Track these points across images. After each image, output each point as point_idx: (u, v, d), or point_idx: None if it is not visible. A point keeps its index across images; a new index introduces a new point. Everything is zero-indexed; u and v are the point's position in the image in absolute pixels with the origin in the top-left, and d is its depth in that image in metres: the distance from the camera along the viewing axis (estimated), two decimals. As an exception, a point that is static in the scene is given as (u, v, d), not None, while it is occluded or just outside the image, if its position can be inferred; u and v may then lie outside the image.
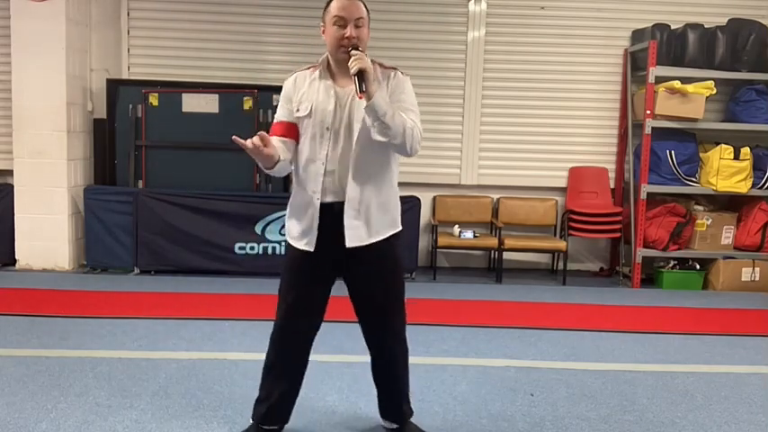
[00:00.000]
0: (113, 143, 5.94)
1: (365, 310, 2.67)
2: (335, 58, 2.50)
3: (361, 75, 2.31)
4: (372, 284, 2.63)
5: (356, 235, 2.51)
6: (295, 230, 2.60)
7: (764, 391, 3.53)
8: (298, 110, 2.54)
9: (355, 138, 2.46)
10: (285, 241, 2.70)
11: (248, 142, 2.35)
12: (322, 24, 2.52)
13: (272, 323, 2.68)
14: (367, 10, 2.51)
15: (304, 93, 2.54)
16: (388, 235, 2.60)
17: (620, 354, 4.08)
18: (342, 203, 2.49)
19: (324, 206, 2.51)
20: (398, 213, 2.69)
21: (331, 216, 2.50)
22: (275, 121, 2.64)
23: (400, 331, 2.71)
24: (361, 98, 2.35)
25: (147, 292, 5.14)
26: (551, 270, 6.46)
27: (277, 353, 2.68)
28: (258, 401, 2.74)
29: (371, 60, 2.52)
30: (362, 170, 2.49)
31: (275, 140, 2.51)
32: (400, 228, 2.69)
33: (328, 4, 2.49)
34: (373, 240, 2.55)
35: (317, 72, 2.55)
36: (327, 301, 2.67)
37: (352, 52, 2.38)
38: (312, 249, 2.54)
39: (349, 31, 2.42)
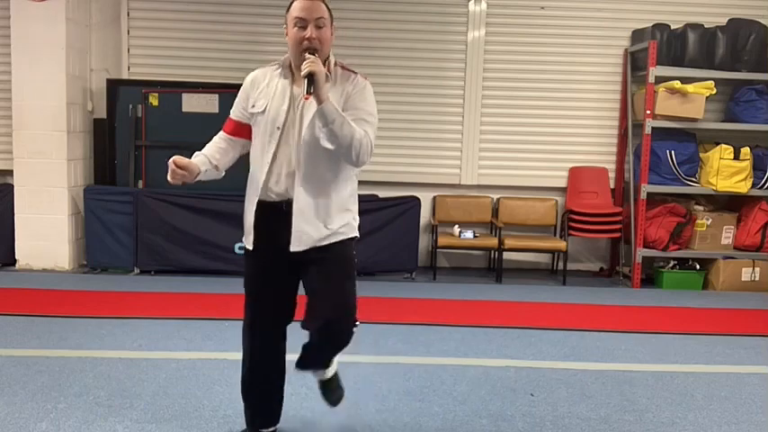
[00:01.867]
0: (113, 143, 5.94)
1: (312, 299, 2.53)
2: (296, 60, 2.46)
3: (311, 78, 2.28)
4: (320, 275, 2.50)
5: (303, 238, 2.46)
6: (244, 227, 2.60)
7: (764, 391, 3.53)
8: (253, 106, 2.53)
9: (302, 138, 2.42)
10: None
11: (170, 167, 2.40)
12: (285, 26, 2.49)
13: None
14: (329, 10, 2.48)
15: (262, 90, 2.53)
16: (338, 240, 2.51)
17: (620, 354, 4.08)
18: (290, 204, 2.46)
19: (269, 205, 2.48)
20: (354, 220, 2.59)
21: (278, 216, 2.46)
22: (231, 115, 2.65)
23: (348, 328, 2.52)
24: (306, 99, 2.34)
25: (147, 292, 5.14)
26: (551, 270, 6.46)
27: (247, 352, 2.67)
28: (245, 408, 2.73)
29: (335, 62, 2.51)
30: (311, 173, 2.44)
31: (211, 147, 2.63)
32: (356, 234, 2.59)
33: (290, 5, 2.46)
34: (322, 244, 2.47)
35: (279, 71, 2.53)
36: (292, 299, 2.62)
37: (307, 56, 2.34)
38: (251, 247, 2.55)
39: (309, 32, 2.39)
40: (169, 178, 2.42)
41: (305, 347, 2.66)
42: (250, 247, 2.56)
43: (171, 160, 2.41)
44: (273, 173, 2.47)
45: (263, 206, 2.50)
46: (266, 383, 2.70)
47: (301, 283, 2.59)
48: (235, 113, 2.63)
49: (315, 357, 2.68)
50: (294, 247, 2.46)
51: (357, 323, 2.57)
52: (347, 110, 2.42)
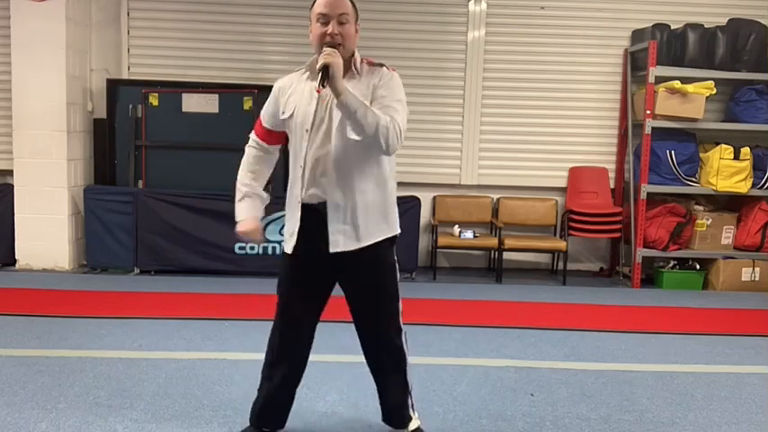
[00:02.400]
0: (113, 143, 5.94)
1: (356, 315, 2.64)
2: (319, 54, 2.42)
3: (326, 70, 2.25)
4: (361, 292, 2.59)
5: (340, 240, 2.45)
6: (285, 232, 2.62)
7: (764, 391, 3.53)
8: (283, 112, 2.52)
9: (333, 138, 2.41)
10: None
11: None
12: (309, 24, 2.46)
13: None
14: (353, 5, 2.46)
15: (290, 95, 2.52)
16: (378, 239, 2.51)
17: (620, 354, 4.08)
18: (326, 206, 2.45)
19: (307, 208, 2.48)
20: (394, 216, 2.59)
21: (316, 219, 2.46)
22: (260, 120, 2.64)
23: (392, 339, 2.63)
24: (318, 92, 2.33)
25: (147, 292, 5.14)
26: (551, 270, 6.46)
27: (273, 353, 2.67)
28: (255, 403, 2.73)
29: (361, 59, 2.49)
30: (345, 172, 2.42)
31: (248, 172, 2.66)
32: (397, 231, 2.60)
33: (313, 2, 2.44)
34: (361, 245, 2.47)
35: (306, 73, 2.51)
36: (324, 303, 2.64)
37: (324, 48, 2.33)
38: (290, 251, 2.54)
39: (331, 27, 2.36)
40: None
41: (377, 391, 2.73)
42: (289, 251, 2.55)
43: (238, 234, 2.60)
44: (307, 175, 2.45)
45: (303, 210, 2.49)
46: (284, 384, 2.69)
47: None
48: (266, 121, 2.62)
49: (381, 391, 2.72)
50: (333, 249, 2.44)
51: (402, 332, 2.65)
52: (374, 100, 2.38)
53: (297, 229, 2.50)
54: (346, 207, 2.44)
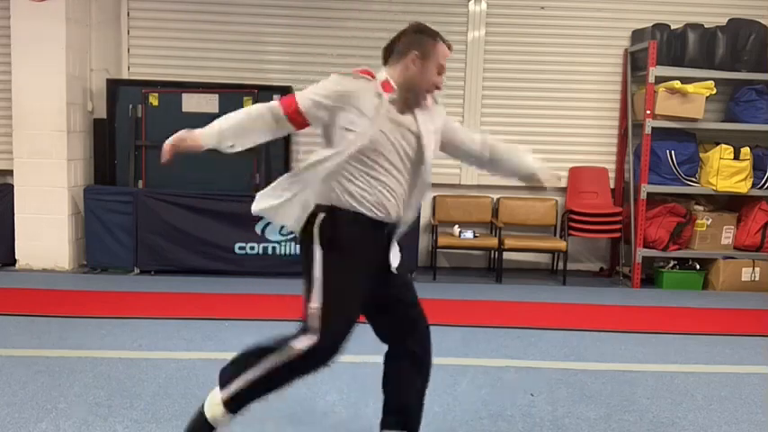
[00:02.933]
0: (113, 143, 5.94)
1: (410, 314, 2.68)
2: (415, 94, 2.48)
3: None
4: (408, 291, 2.69)
5: (396, 257, 2.60)
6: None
7: (764, 391, 3.53)
8: (352, 122, 2.32)
9: (426, 171, 2.55)
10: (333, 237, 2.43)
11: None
12: (415, 53, 2.40)
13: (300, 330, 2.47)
14: None
15: (363, 109, 2.33)
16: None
17: (620, 354, 4.08)
18: (395, 226, 2.54)
19: (382, 224, 2.50)
20: None
21: (381, 235, 2.52)
22: (302, 107, 2.36)
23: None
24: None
25: (147, 292, 5.14)
26: (551, 270, 6.46)
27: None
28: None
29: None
30: (416, 201, 2.62)
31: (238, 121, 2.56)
32: None
33: (433, 38, 2.45)
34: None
35: (387, 99, 2.39)
36: None
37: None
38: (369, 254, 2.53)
39: (443, 80, 2.54)
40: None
41: (402, 397, 2.67)
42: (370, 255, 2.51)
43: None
44: (392, 195, 2.47)
45: (372, 222, 2.46)
46: None
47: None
48: (308, 109, 2.36)
49: (422, 389, 2.71)
50: (395, 267, 2.57)
51: None
52: (450, 131, 2.80)
53: (385, 244, 2.55)
54: (405, 229, 2.60)
